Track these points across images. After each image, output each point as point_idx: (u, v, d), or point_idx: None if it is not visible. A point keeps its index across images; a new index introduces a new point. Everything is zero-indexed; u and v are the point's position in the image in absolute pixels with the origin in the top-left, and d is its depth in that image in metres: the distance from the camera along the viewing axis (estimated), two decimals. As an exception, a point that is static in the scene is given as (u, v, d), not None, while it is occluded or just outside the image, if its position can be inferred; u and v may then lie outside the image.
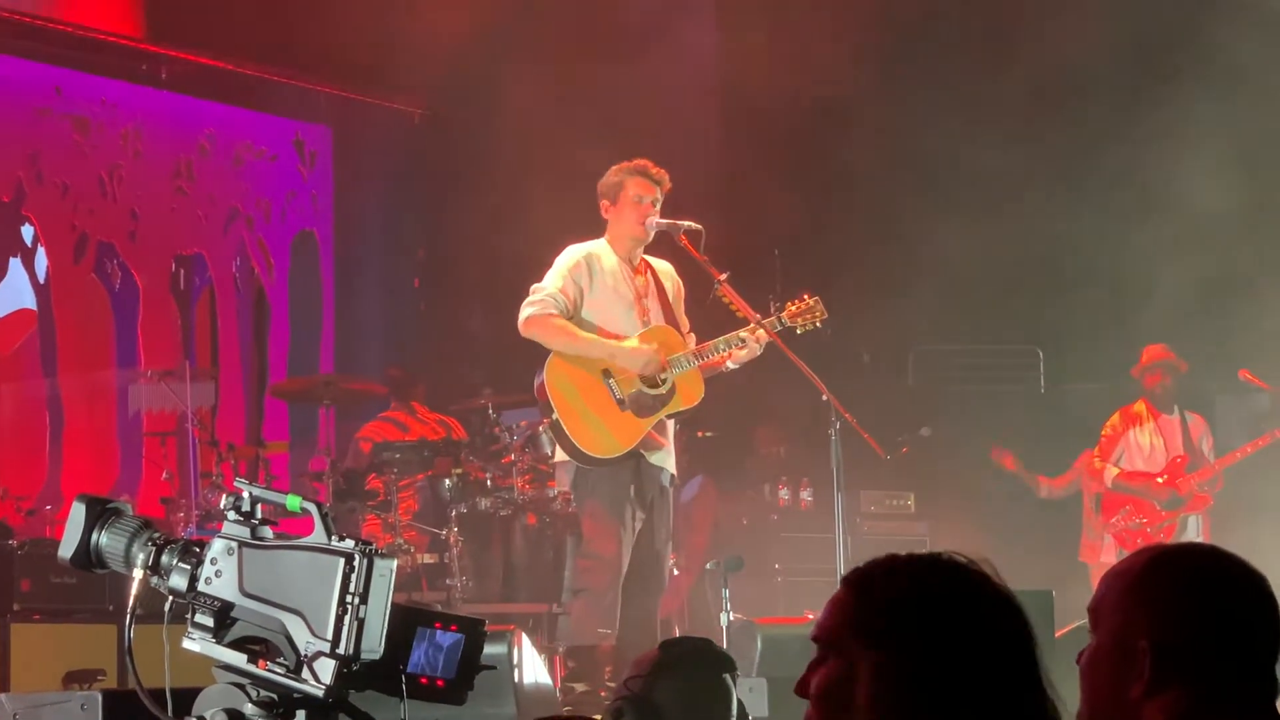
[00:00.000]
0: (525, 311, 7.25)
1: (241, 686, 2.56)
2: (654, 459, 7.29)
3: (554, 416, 7.20)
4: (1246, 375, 10.22)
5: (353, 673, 2.53)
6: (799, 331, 7.41)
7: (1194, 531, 10.26)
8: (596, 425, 7.19)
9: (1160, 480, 10.26)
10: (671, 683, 3.27)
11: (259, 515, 2.62)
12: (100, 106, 11.27)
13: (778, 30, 11.59)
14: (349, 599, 2.50)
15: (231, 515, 2.61)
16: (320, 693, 2.50)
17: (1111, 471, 10.35)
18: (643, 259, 7.48)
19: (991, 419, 11.02)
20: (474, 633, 2.72)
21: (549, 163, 11.28)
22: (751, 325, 7.26)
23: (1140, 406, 10.48)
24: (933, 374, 11.70)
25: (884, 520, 10.39)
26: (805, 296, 7.45)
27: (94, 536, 2.64)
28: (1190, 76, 10.35)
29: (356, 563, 2.50)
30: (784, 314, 7.36)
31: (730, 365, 7.41)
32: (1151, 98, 10.56)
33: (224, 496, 2.63)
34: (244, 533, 2.59)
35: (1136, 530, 10.27)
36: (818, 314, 7.43)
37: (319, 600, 2.51)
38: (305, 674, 2.51)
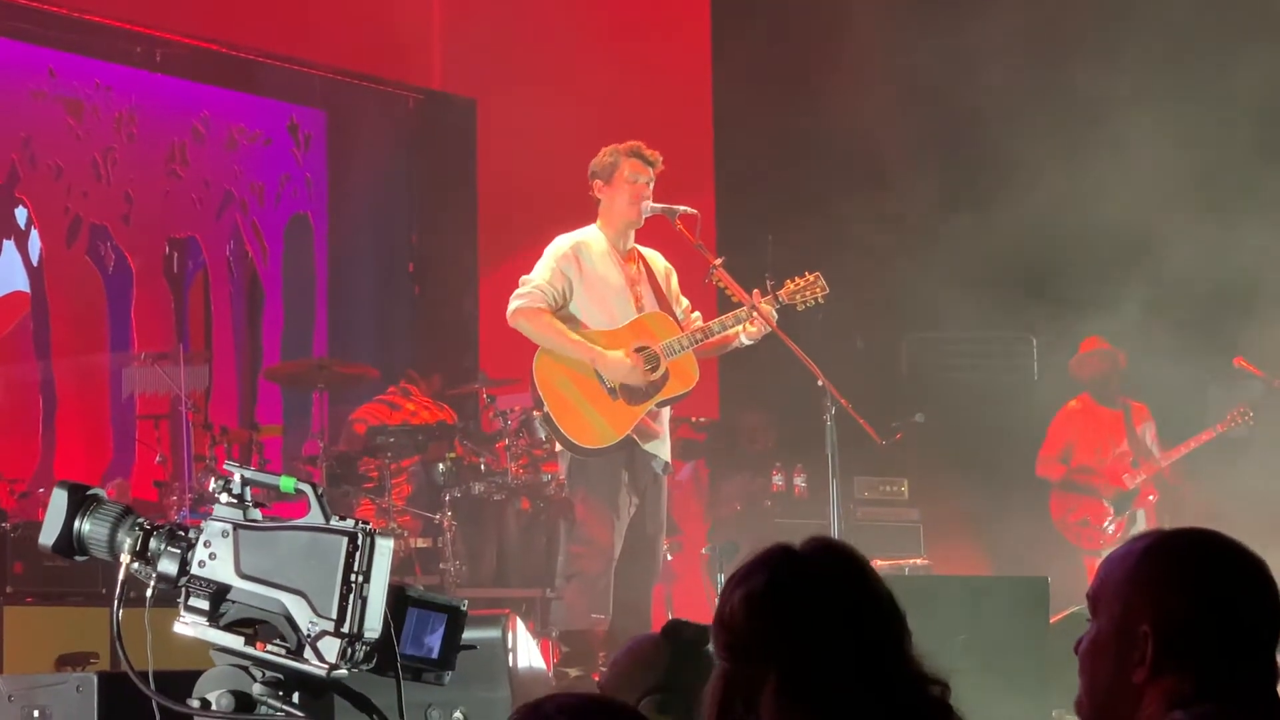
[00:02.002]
0: (513, 304, 7.22)
1: (245, 668, 2.55)
2: (648, 446, 7.27)
3: (545, 409, 7.17)
4: (1241, 362, 10.23)
5: (356, 652, 2.52)
6: (799, 308, 7.36)
7: (1142, 527, 10.32)
8: (588, 415, 7.16)
9: (1106, 477, 10.34)
10: (694, 664, 3.26)
11: (250, 498, 2.61)
12: (94, 89, 11.24)
13: (773, 12, 11.60)
14: (353, 578, 2.50)
15: (224, 498, 2.60)
16: (324, 672, 2.50)
17: (1058, 469, 10.46)
18: (633, 247, 7.45)
19: (985, 406, 11.02)
20: (455, 614, 2.71)
21: (543, 147, 11.28)
22: (747, 307, 7.22)
23: (1082, 401, 10.58)
24: (926, 360, 11.70)
25: (878, 506, 10.39)
26: (806, 273, 7.41)
27: (77, 523, 2.63)
28: (1177, 59, 10.33)
29: (360, 542, 2.50)
30: (780, 292, 7.32)
31: (744, 340, 7.35)
32: (1135, 82, 10.55)
33: (213, 480, 2.62)
34: (237, 515, 2.58)
35: (1084, 528, 10.35)
36: (818, 289, 7.37)
37: (322, 580, 2.50)
38: (308, 654, 2.50)
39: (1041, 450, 10.63)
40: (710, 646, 3.31)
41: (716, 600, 2.54)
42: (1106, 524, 10.31)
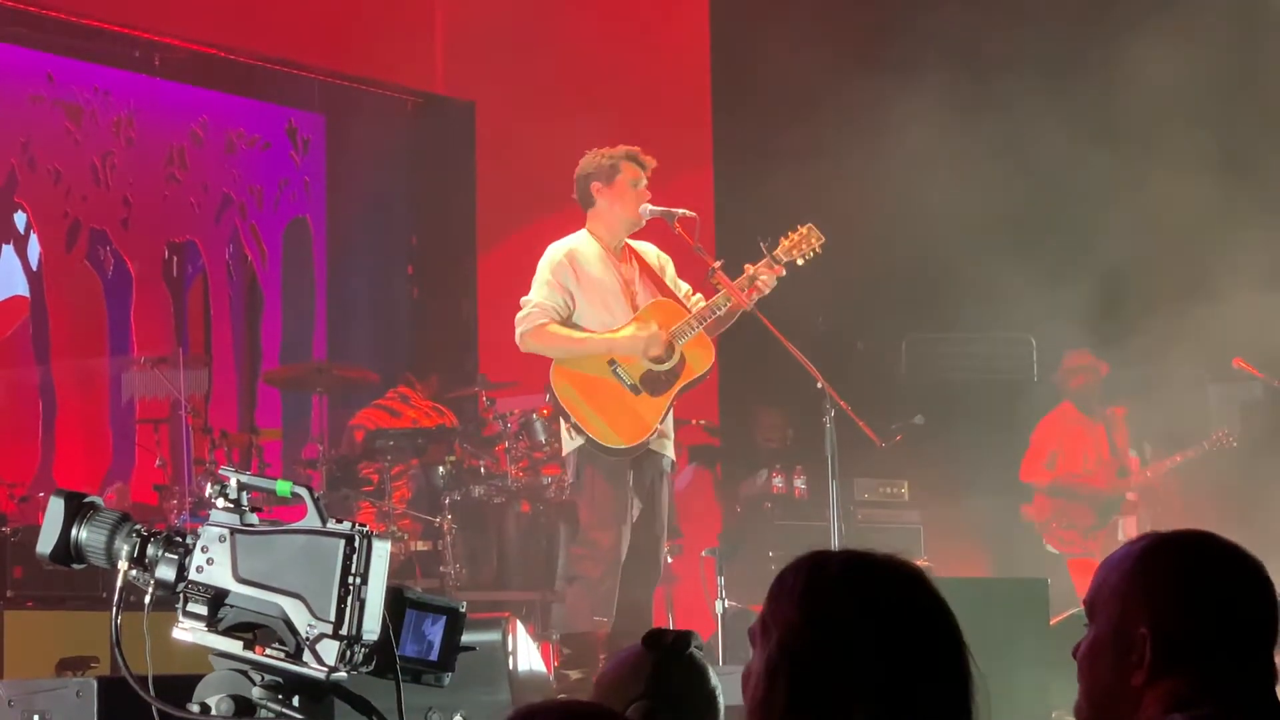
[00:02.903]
0: (519, 329, 7.19)
1: (244, 672, 2.56)
2: (654, 445, 7.25)
3: (572, 421, 7.14)
4: (1240, 363, 10.24)
5: (355, 654, 2.52)
6: (800, 263, 7.31)
7: (1124, 533, 10.43)
8: (613, 420, 7.11)
9: (1091, 482, 10.44)
10: (677, 671, 3.27)
11: (246, 502, 2.61)
12: (93, 94, 11.25)
13: (770, 10, 11.59)
14: (351, 580, 2.51)
15: (220, 503, 2.60)
16: (323, 674, 2.50)
17: (1045, 474, 10.53)
18: (625, 244, 7.42)
19: (985, 407, 11.02)
20: (454, 615, 2.71)
21: (542, 150, 11.27)
22: (746, 276, 7.16)
23: (1065, 410, 10.69)
24: (926, 362, 11.69)
25: (878, 508, 10.38)
26: (799, 227, 7.38)
27: (74, 532, 2.63)
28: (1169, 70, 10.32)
29: (357, 544, 2.51)
30: (777, 250, 7.29)
31: (754, 299, 7.27)
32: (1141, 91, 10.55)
33: (208, 485, 2.63)
34: (234, 520, 2.58)
35: (1067, 531, 10.42)
36: (814, 240, 7.34)
37: (319, 583, 2.51)
38: (307, 657, 2.51)
39: (1026, 457, 10.71)
40: (692, 650, 3.32)
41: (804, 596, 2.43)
42: (1090, 528, 10.39)
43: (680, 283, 7.48)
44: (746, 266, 7.23)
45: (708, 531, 10.76)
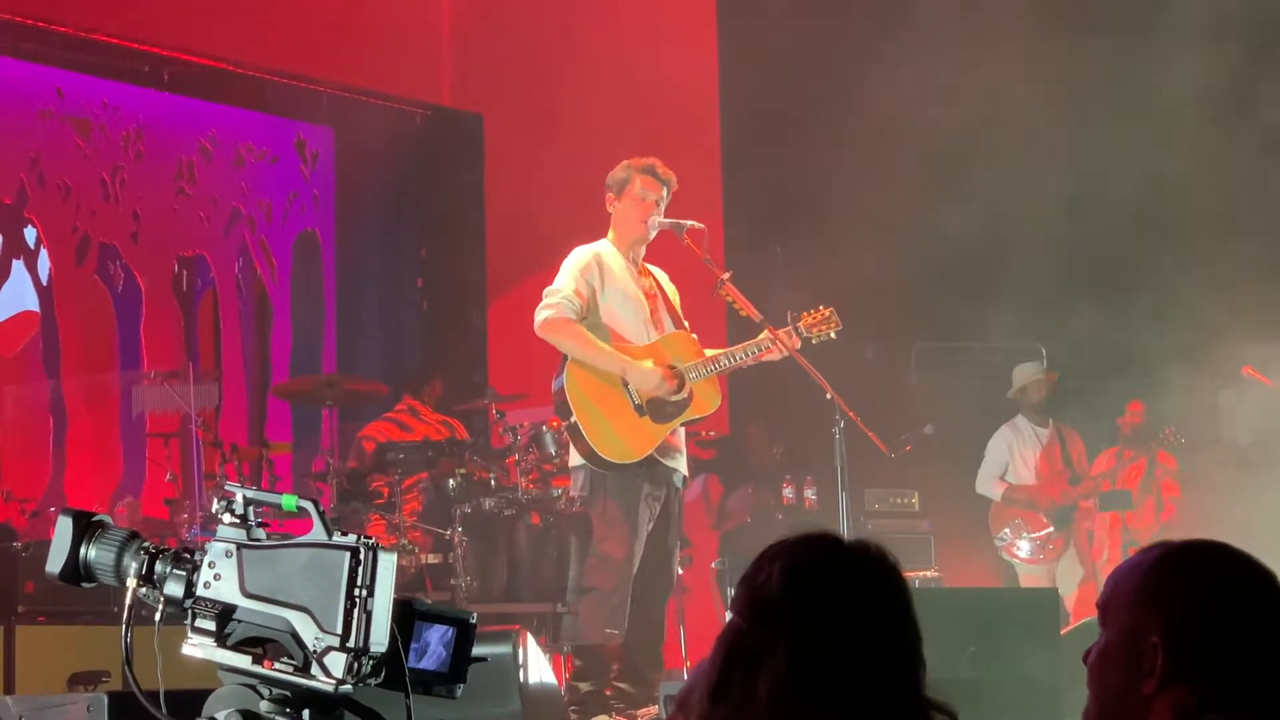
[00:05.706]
0: (541, 314, 7.15)
1: (253, 686, 2.56)
2: (667, 460, 7.25)
3: (572, 419, 7.14)
4: (1250, 371, 10.25)
5: (363, 667, 2.52)
6: (814, 341, 7.40)
7: (1078, 542, 10.50)
8: (615, 430, 7.11)
9: (1045, 493, 10.50)
10: None
11: (253, 517, 2.61)
12: (102, 108, 11.28)
13: (778, 22, 11.61)
14: (357, 592, 2.51)
15: (227, 518, 2.60)
16: (331, 687, 2.50)
17: (999, 485, 10.54)
18: (643, 264, 7.43)
19: (995, 417, 11.02)
20: (464, 626, 2.71)
21: (550, 162, 11.30)
22: (764, 335, 7.23)
23: (1019, 422, 10.78)
24: (936, 370, 11.69)
25: (889, 518, 10.38)
26: (820, 307, 7.45)
27: (83, 550, 2.64)
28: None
29: (362, 556, 2.51)
30: (800, 324, 7.35)
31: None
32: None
33: (215, 501, 2.63)
34: (240, 535, 2.59)
35: (1022, 541, 10.46)
36: (833, 324, 7.42)
37: (326, 596, 2.51)
38: (315, 670, 2.51)
39: (982, 469, 10.72)
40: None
41: (749, 569, 2.46)
42: (1047, 536, 10.41)
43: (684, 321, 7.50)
44: (768, 330, 7.26)
45: (720, 542, 10.77)
